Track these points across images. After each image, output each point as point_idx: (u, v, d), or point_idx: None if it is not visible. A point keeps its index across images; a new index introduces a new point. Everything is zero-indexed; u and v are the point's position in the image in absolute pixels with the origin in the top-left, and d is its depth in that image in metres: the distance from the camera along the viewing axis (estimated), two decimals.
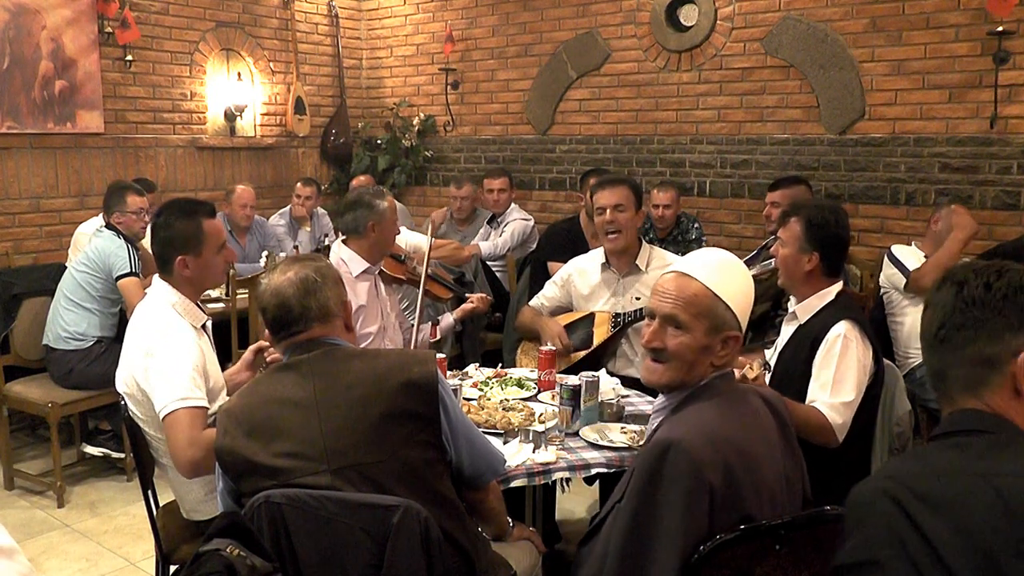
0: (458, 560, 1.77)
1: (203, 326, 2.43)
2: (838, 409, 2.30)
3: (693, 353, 1.69)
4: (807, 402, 2.35)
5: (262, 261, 4.96)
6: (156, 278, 2.44)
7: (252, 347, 2.53)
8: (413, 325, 3.44)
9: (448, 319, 3.63)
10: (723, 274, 1.74)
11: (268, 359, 2.46)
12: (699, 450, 1.50)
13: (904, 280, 3.73)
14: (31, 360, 4.06)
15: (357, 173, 6.17)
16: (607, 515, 1.69)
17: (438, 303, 3.93)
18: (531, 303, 3.53)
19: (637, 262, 3.26)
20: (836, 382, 2.33)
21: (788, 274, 2.55)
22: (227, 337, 4.21)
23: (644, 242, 3.34)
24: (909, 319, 3.74)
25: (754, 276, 2.92)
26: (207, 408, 2.23)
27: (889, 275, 3.82)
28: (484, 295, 3.70)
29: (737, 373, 2.21)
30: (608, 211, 3.21)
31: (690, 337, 1.68)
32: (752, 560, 1.52)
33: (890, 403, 2.60)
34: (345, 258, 3.24)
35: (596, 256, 3.39)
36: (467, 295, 3.69)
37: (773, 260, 2.69)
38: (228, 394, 2.39)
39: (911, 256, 3.79)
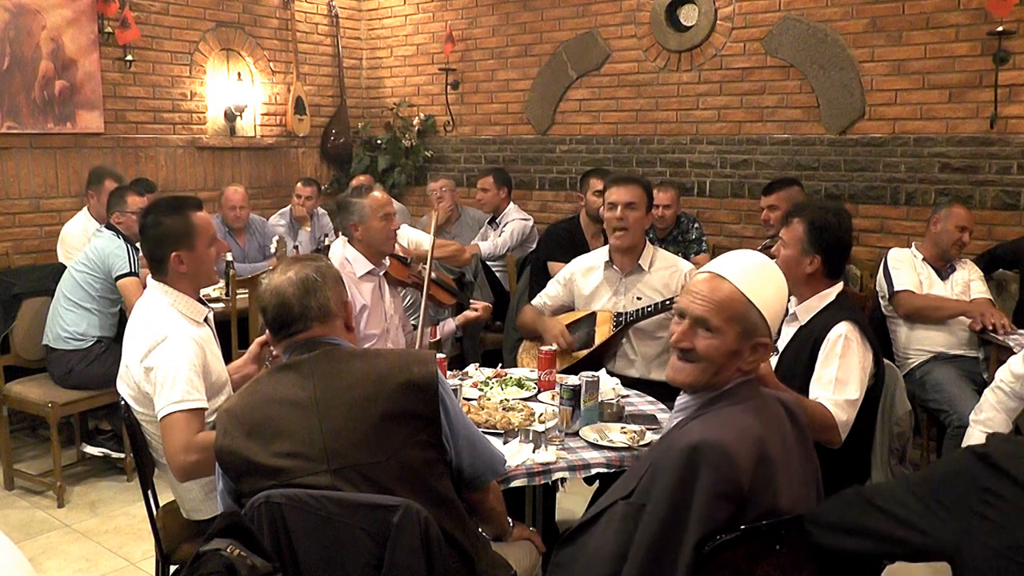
0: (458, 560, 1.77)
1: (204, 319, 2.43)
2: (842, 406, 2.30)
3: (723, 357, 1.66)
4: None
5: (272, 246, 4.97)
6: (149, 280, 2.43)
7: (258, 340, 2.52)
8: (415, 328, 3.43)
9: (450, 325, 3.62)
10: (758, 279, 1.70)
11: (274, 353, 2.45)
12: (736, 453, 1.49)
13: (888, 294, 3.76)
14: (31, 360, 4.05)
15: (357, 173, 6.17)
16: (600, 514, 1.66)
17: (440, 308, 3.92)
18: (533, 302, 3.52)
19: (640, 262, 3.27)
20: (839, 381, 2.32)
21: (789, 275, 2.52)
22: (227, 337, 4.21)
23: (649, 243, 3.34)
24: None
25: None
26: (205, 408, 2.23)
27: (880, 283, 3.84)
28: (487, 304, 3.69)
29: None
30: (619, 208, 3.20)
31: (720, 341, 1.65)
32: (752, 560, 1.51)
33: (890, 403, 2.60)
34: (350, 258, 3.22)
35: (599, 255, 3.40)
36: (470, 302, 3.68)
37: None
38: (234, 387, 2.39)
39: (906, 264, 3.79)
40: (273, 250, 4.96)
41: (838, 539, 1.42)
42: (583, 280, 3.38)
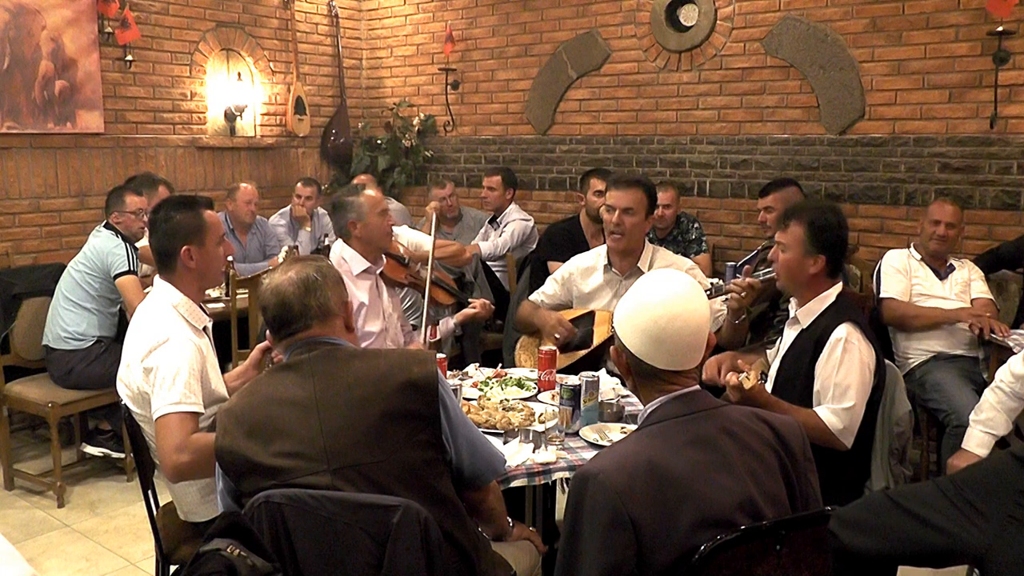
0: (458, 560, 1.77)
1: (203, 328, 2.43)
2: (839, 414, 2.30)
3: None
4: (812, 406, 2.35)
5: (281, 255, 4.97)
6: (157, 279, 2.44)
7: (260, 346, 2.52)
8: (415, 328, 3.43)
9: (449, 324, 3.62)
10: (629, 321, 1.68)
11: (275, 358, 2.45)
12: (617, 483, 1.46)
13: (876, 301, 3.77)
14: (31, 360, 4.06)
15: (357, 173, 6.17)
16: None
17: (439, 307, 3.92)
18: (531, 298, 3.51)
19: (640, 264, 3.25)
20: (838, 387, 2.33)
21: (791, 278, 2.53)
22: (227, 337, 4.21)
23: (648, 243, 3.32)
24: None
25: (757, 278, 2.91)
26: (200, 413, 2.23)
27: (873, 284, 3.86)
28: (487, 301, 3.69)
29: (733, 379, 2.21)
30: (617, 212, 3.17)
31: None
32: (752, 560, 1.51)
33: (890, 403, 2.60)
34: (347, 257, 3.23)
35: (598, 255, 3.37)
36: (469, 300, 3.68)
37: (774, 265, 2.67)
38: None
39: (899, 269, 3.78)
40: (281, 260, 4.95)
41: (864, 540, 1.41)
42: (582, 280, 3.36)
